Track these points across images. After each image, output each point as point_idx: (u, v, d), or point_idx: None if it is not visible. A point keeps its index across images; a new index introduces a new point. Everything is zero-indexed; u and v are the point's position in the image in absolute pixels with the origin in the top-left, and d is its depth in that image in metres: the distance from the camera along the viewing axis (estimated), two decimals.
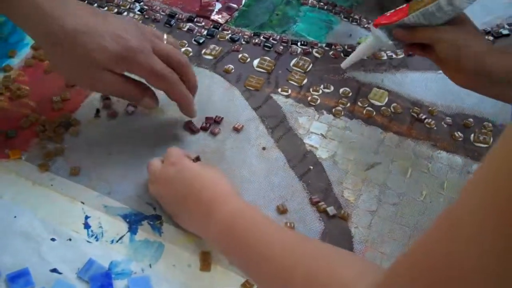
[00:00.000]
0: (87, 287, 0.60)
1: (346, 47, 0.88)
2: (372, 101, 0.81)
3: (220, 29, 0.90)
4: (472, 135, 0.78)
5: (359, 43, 0.85)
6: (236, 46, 0.87)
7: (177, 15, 0.91)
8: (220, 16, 0.92)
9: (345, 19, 0.94)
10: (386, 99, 0.81)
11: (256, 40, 0.88)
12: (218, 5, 0.94)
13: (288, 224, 0.67)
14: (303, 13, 0.94)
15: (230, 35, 0.89)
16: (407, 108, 0.80)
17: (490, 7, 0.96)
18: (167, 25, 0.90)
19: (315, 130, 0.77)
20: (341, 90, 0.82)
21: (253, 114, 0.78)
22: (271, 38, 0.89)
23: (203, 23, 0.91)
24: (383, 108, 0.80)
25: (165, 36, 0.71)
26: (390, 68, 0.86)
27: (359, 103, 0.80)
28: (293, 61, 0.85)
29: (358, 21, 0.93)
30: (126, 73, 0.68)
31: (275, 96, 0.81)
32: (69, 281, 0.60)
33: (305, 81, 0.83)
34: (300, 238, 0.57)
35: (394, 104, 0.80)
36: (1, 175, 0.68)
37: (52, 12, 0.62)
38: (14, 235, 0.62)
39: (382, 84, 0.84)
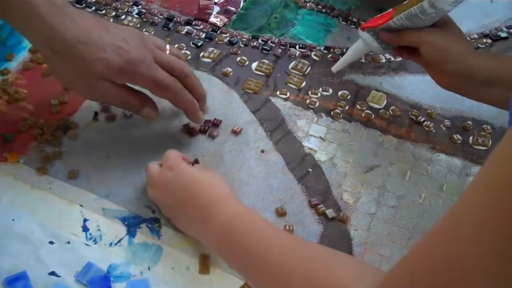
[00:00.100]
0: None
1: (344, 50, 0.88)
2: (371, 104, 0.81)
3: (218, 32, 0.90)
4: (471, 137, 0.78)
5: None
6: (234, 49, 0.87)
7: (175, 18, 0.91)
8: (218, 19, 0.92)
9: (343, 22, 0.94)
10: (385, 101, 0.81)
11: (255, 43, 0.88)
12: (216, 8, 0.94)
13: (287, 226, 0.66)
14: (302, 16, 0.94)
15: (228, 38, 0.89)
16: (405, 110, 0.80)
17: (488, 10, 0.96)
18: (165, 29, 0.90)
19: (314, 133, 0.77)
20: (339, 93, 0.82)
21: (251, 117, 0.78)
22: (269, 41, 0.89)
23: (201, 26, 0.90)
24: (381, 111, 0.80)
25: (168, 47, 0.71)
26: (388, 71, 0.86)
27: (357, 106, 0.80)
28: (292, 64, 0.85)
29: (357, 24, 0.93)
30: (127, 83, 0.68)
31: (273, 99, 0.80)
32: (68, 284, 0.59)
33: (303, 84, 0.83)
34: (299, 241, 0.57)
35: (393, 107, 0.80)
36: None
37: (53, 21, 0.62)
38: (12, 239, 0.62)
39: (381, 87, 0.83)
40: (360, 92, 0.83)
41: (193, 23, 0.91)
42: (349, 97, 0.82)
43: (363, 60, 0.87)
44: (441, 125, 0.79)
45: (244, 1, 0.96)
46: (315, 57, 0.87)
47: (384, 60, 0.87)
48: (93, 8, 0.91)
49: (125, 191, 0.68)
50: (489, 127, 0.79)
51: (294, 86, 0.82)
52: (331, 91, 0.82)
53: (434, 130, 0.78)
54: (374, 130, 0.78)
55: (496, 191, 0.34)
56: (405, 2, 0.68)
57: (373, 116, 0.79)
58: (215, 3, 0.95)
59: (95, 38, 0.63)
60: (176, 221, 0.65)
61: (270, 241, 0.55)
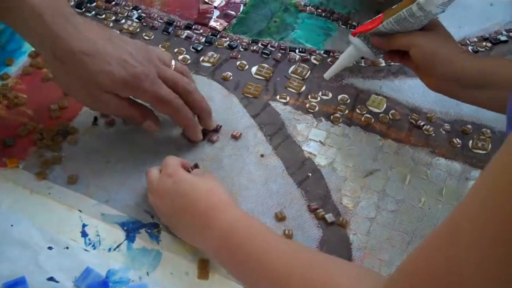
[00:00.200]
0: None
1: None
2: (371, 108, 0.81)
3: (218, 36, 0.90)
4: (471, 141, 0.78)
5: None
6: (234, 53, 0.87)
7: (175, 23, 0.91)
8: (218, 23, 0.92)
9: (343, 26, 0.94)
10: (385, 105, 0.81)
11: (254, 47, 0.88)
12: (216, 12, 0.94)
13: (287, 231, 0.66)
14: (301, 20, 0.94)
15: (228, 42, 0.89)
16: (405, 114, 0.80)
17: (488, 14, 0.96)
18: (165, 33, 0.90)
19: (314, 137, 0.77)
20: (339, 97, 0.82)
21: (251, 121, 0.78)
22: (269, 45, 0.89)
23: (201, 31, 0.91)
24: (381, 115, 0.80)
25: (173, 63, 0.71)
26: (388, 75, 0.86)
27: (357, 110, 0.80)
28: (291, 68, 0.85)
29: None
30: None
31: (273, 103, 0.80)
32: None
33: (303, 88, 0.83)
34: (297, 247, 0.57)
35: (393, 111, 0.80)
36: None
37: (59, 32, 0.62)
38: (11, 244, 0.62)
39: (381, 90, 0.83)
40: (359, 96, 0.82)
41: (193, 27, 0.91)
42: (348, 101, 0.81)
43: (363, 64, 0.87)
44: (441, 129, 0.79)
45: (244, 5, 0.96)
46: (314, 61, 0.87)
47: (383, 64, 0.87)
48: (93, 12, 0.92)
49: (124, 196, 0.68)
50: (488, 131, 0.79)
51: (293, 90, 0.82)
52: (330, 95, 0.82)
53: (433, 134, 0.78)
54: (373, 134, 0.78)
55: (496, 196, 0.34)
56: (394, 6, 0.69)
57: (372, 120, 0.79)
58: (215, 7, 0.95)
59: (100, 50, 0.63)
60: (175, 229, 0.64)
61: (269, 246, 0.55)
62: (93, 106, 0.70)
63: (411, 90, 0.83)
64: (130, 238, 0.65)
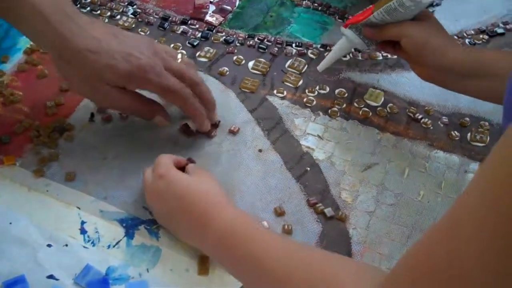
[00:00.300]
0: None
1: None
2: (368, 101, 0.81)
3: (214, 31, 0.90)
4: (469, 134, 0.78)
5: None
6: (230, 48, 0.87)
7: (170, 18, 0.91)
8: (214, 18, 0.92)
9: (339, 20, 0.93)
10: (382, 99, 0.81)
11: (251, 42, 0.88)
12: (212, 7, 0.94)
13: (286, 226, 0.66)
14: (298, 15, 0.94)
15: (224, 37, 0.89)
16: (403, 108, 0.80)
17: (485, 6, 0.96)
18: (161, 28, 0.89)
19: (312, 132, 0.76)
20: (336, 91, 0.82)
21: (248, 116, 0.78)
22: (265, 40, 0.88)
23: (197, 26, 0.90)
24: (379, 108, 0.80)
25: (179, 56, 0.71)
26: (385, 68, 0.86)
27: (355, 104, 0.80)
28: (288, 63, 0.85)
29: None
30: (140, 91, 0.68)
31: (270, 98, 0.80)
32: None
33: (300, 82, 0.83)
34: (296, 246, 0.57)
35: (390, 104, 0.80)
36: None
37: (64, 32, 0.62)
38: (10, 242, 0.62)
39: (378, 84, 0.83)
40: (357, 89, 0.82)
41: (189, 22, 0.91)
42: (346, 95, 0.81)
43: (360, 58, 0.87)
44: (439, 122, 0.79)
45: (239, 0, 0.95)
46: (311, 55, 0.87)
47: (381, 58, 0.87)
48: (88, 8, 0.91)
49: (122, 192, 0.68)
50: (486, 123, 0.79)
51: (291, 85, 0.82)
52: (328, 89, 0.82)
53: (432, 127, 0.78)
54: (371, 128, 0.78)
55: (495, 188, 0.34)
56: None
57: (370, 113, 0.79)
58: (211, 2, 0.94)
59: (105, 46, 0.63)
60: (171, 229, 0.64)
61: (268, 245, 0.55)
62: (102, 103, 0.70)
63: (409, 83, 0.83)
64: (129, 234, 0.64)
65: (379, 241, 0.66)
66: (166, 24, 0.90)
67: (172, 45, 0.86)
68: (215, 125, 0.75)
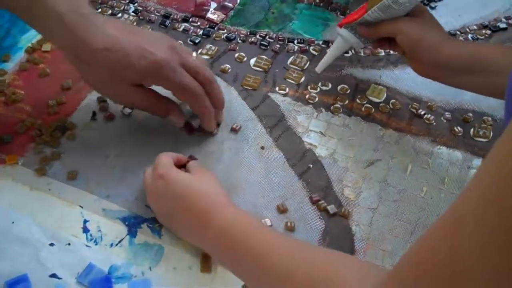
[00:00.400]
0: None
1: None
2: (371, 97, 0.80)
3: (215, 28, 0.89)
4: (472, 129, 0.77)
5: None
6: (232, 46, 0.86)
7: (172, 16, 0.90)
8: (215, 15, 0.92)
9: (341, 16, 0.93)
10: (385, 95, 0.81)
11: (252, 39, 0.88)
12: (213, 5, 0.94)
13: (289, 223, 0.66)
14: (299, 11, 0.94)
15: (226, 34, 0.88)
16: (406, 104, 0.80)
17: (487, 1, 0.95)
18: (162, 26, 0.89)
19: (314, 128, 0.76)
20: (339, 87, 0.81)
21: (251, 114, 0.77)
22: (267, 37, 0.88)
23: (198, 23, 0.90)
24: (381, 104, 0.79)
25: (194, 54, 0.71)
26: (388, 64, 0.85)
27: (357, 100, 0.80)
28: (290, 59, 0.85)
29: None
30: (156, 89, 0.69)
31: (272, 95, 0.80)
32: (69, 286, 0.59)
33: (302, 79, 0.82)
34: (297, 243, 0.57)
35: (393, 100, 0.80)
36: None
37: (80, 31, 0.62)
38: (12, 241, 0.62)
39: (380, 80, 0.83)
40: (359, 86, 0.82)
41: (190, 20, 0.90)
42: (348, 91, 0.81)
43: (362, 54, 0.87)
44: (442, 118, 0.78)
45: None
46: (313, 52, 0.87)
47: (383, 54, 0.87)
48: None
49: (124, 191, 0.68)
50: (489, 118, 0.78)
51: (293, 82, 0.82)
52: (330, 85, 0.82)
53: (434, 123, 0.78)
54: (374, 124, 0.77)
55: (498, 183, 0.34)
56: None
57: (373, 110, 0.79)
58: None
59: (121, 45, 0.63)
60: (172, 229, 0.64)
61: (269, 244, 0.55)
62: (118, 100, 0.70)
63: (411, 79, 0.83)
64: (132, 233, 0.64)
65: (382, 237, 0.66)
66: (167, 22, 0.89)
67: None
68: (218, 124, 0.75)
